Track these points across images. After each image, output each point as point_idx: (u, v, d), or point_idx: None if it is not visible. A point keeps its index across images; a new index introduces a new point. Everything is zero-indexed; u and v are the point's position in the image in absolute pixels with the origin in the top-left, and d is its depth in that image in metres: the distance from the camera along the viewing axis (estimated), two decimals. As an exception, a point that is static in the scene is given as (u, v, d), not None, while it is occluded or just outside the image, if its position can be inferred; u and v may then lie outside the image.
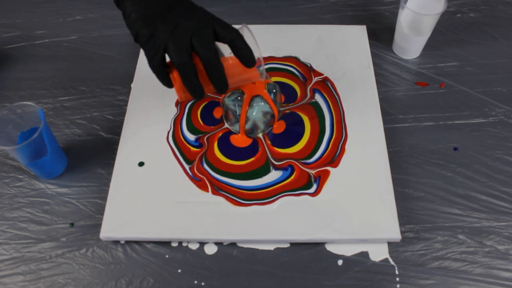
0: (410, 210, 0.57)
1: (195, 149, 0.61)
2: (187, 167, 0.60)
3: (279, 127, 0.63)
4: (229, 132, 0.63)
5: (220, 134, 0.63)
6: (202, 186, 0.58)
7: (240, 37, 0.49)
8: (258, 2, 0.79)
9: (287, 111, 0.64)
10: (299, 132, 0.62)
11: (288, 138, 0.62)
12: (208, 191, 0.57)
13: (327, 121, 0.63)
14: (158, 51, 0.48)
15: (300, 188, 0.57)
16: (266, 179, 0.58)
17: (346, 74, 0.67)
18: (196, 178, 0.58)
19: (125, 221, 0.55)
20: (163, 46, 0.48)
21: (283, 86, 0.67)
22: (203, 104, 0.66)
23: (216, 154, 0.61)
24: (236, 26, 0.51)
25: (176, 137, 0.62)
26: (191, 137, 0.62)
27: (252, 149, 0.61)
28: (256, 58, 0.50)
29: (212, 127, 0.63)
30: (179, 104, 0.65)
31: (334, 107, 0.64)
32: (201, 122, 0.64)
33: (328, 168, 0.59)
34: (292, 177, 0.58)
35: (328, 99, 0.65)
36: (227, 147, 0.61)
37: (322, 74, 0.68)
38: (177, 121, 0.64)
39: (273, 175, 0.59)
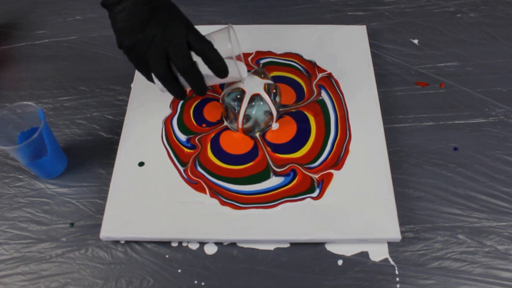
0: (410, 210, 0.57)
1: (188, 151, 0.61)
2: (181, 169, 0.59)
3: (287, 132, 0.62)
4: (221, 134, 0.62)
5: (213, 135, 0.62)
6: (199, 188, 0.58)
7: (211, 49, 0.51)
8: (258, 2, 0.79)
9: (293, 110, 0.64)
10: (305, 137, 0.62)
11: (292, 144, 0.61)
12: (206, 193, 0.57)
13: (332, 121, 0.63)
14: (140, 62, 0.53)
15: (303, 193, 0.57)
16: (266, 184, 0.58)
17: (346, 74, 0.67)
18: (192, 181, 0.58)
19: (125, 221, 0.55)
20: (143, 57, 0.52)
21: (288, 81, 0.67)
22: (196, 102, 0.66)
23: (210, 157, 0.60)
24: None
25: (169, 137, 0.62)
26: (183, 137, 0.62)
27: (250, 154, 0.61)
28: (236, 55, 0.53)
29: (206, 128, 0.63)
30: (172, 104, 0.65)
31: (338, 105, 0.64)
32: (193, 122, 0.64)
33: (331, 171, 0.59)
34: (294, 181, 0.58)
35: (332, 97, 0.65)
36: (221, 151, 0.61)
37: (326, 71, 0.68)
38: (168, 121, 0.64)
39: (274, 180, 0.58)
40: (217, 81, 0.54)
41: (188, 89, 0.55)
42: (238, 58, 0.55)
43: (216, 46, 0.51)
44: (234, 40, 0.53)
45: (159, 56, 0.51)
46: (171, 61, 0.51)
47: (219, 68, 0.51)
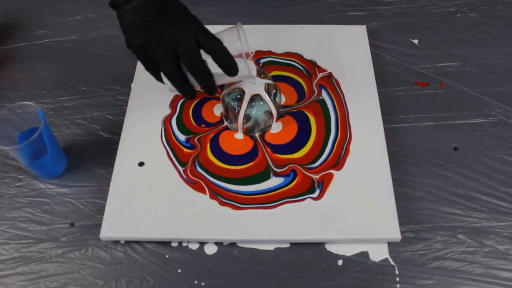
0: (410, 210, 0.57)
1: (187, 151, 0.61)
2: (181, 169, 0.59)
3: (288, 132, 0.62)
4: (221, 134, 0.62)
5: (212, 136, 0.62)
6: (199, 189, 0.58)
7: (221, 47, 0.51)
8: (258, 2, 0.79)
9: (294, 110, 0.64)
10: (305, 137, 0.61)
11: (292, 144, 0.61)
12: (206, 194, 0.57)
13: (332, 121, 0.63)
14: (149, 61, 0.53)
15: (303, 193, 0.57)
16: (266, 184, 0.58)
17: (346, 74, 0.67)
18: (191, 181, 0.58)
19: (125, 221, 0.55)
20: (152, 56, 0.51)
21: (289, 81, 0.67)
22: (195, 102, 0.65)
23: (210, 158, 0.60)
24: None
25: (168, 137, 0.62)
26: (182, 137, 0.62)
27: (250, 154, 0.60)
28: (245, 53, 0.52)
29: (205, 128, 0.63)
30: (171, 104, 0.65)
31: (339, 105, 0.64)
32: (192, 122, 0.64)
33: (331, 171, 0.58)
34: (295, 182, 0.58)
35: (333, 97, 0.65)
36: (221, 151, 0.61)
37: (326, 70, 0.68)
38: (167, 121, 0.64)
39: (274, 181, 0.58)
40: (226, 80, 0.54)
41: (197, 88, 0.55)
42: (246, 56, 0.55)
43: (225, 44, 0.51)
44: (243, 38, 0.53)
45: (168, 55, 0.51)
46: (180, 59, 0.51)
47: (229, 66, 0.51)
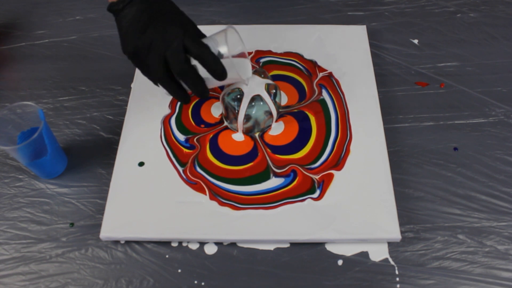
0: (410, 210, 0.57)
1: (187, 151, 0.61)
2: (180, 169, 0.59)
3: (289, 133, 0.62)
4: (220, 134, 0.62)
5: (211, 136, 0.62)
6: (199, 189, 0.58)
7: (207, 52, 0.51)
8: (258, 2, 0.79)
9: (295, 110, 0.64)
10: (306, 137, 0.61)
11: (293, 145, 0.61)
12: (205, 194, 0.57)
13: (332, 121, 0.63)
14: (142, 67, 0.54)
15: (303, 194, 0.57)
16: (266, 185, 0.58)
17: (346, 74, 0.67)
18: (191, 182, 0.58)
19: (125, 221, 0.55)
20: (145, 62, 0.53)
21: (290, 80, 0.67)
22: (193, 102, 0.65)
23: (209, 158, 0.60)
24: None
25: (168, 137, 0.62)
26: (181, 137, 0.62)
27: (250, 154, 0.60)
28: (242, 53, 0.53)
29: (205, 128, 0.63)
30: (170, 104, 0.65)
31: (339, 105, 0.64)
32: (192, 122, 0.63)
33: (332, 171, 0.58)
34: (295, 182, 0.58)
35: (333, 96, 0.65)
36: (220, 151, 0.61)
37: (327, 70, 0.68)
38: (166, 120, 0.64)
39: (274, 181, 0.58)
40: (218, 83, 0.54)
41: (190, 92, 0.55)
42: (244, 57, 0.55)
43: (219, 47, 0.51)
44: (235, 40, 0.54)
45: (158, 61, 0.51)
46: (170, 65, 0.52)
47: (217, 70, 0.51)
